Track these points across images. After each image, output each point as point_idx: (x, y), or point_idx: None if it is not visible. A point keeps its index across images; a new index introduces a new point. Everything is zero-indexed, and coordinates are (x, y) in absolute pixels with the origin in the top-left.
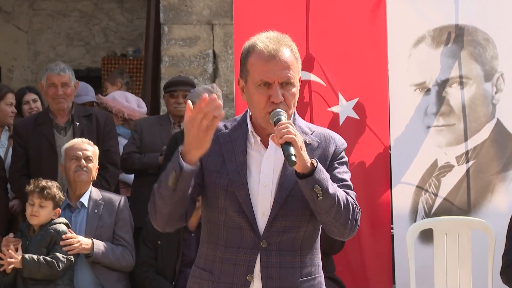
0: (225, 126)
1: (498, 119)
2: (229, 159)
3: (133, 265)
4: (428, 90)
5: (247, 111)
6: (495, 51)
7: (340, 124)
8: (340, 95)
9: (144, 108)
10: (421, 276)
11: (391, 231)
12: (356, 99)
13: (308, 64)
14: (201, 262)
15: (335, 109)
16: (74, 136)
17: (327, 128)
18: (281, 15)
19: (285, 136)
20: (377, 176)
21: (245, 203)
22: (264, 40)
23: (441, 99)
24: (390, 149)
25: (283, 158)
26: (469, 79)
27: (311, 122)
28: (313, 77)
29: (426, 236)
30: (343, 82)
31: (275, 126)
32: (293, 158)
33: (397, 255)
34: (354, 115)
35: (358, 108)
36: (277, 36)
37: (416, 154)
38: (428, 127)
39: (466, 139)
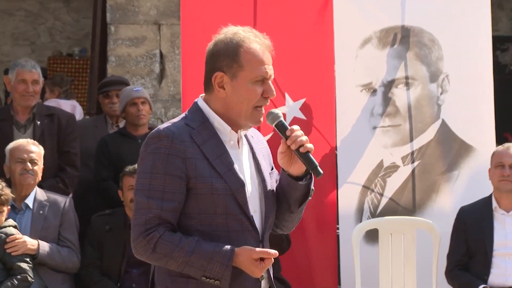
0: (187, 125)
1: (443, 120)
2: (216, 162)
3: (79, 266)
4: (375, 90)
5: (196, 108)
6: (441, 52)
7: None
8: (287, 96)
9: (79, 114)
10: (366, 276)
11: (337, 231)
12: (303, 100)
13: None
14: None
15: (282, 109)
16: (34, 135)
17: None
18: (228, 16)
19: (306, 145)
20: (323, 176)
21: (245, 204)
22: (250, 34)
23: (387, 100)
24: (336, 150)
25: (250, 152)
26: (415, 80)
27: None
28: None
29: (372, 236)
30: (290, 83)
31: (276, 127)
32: (320, 169)
33: (343, 255)
34: (301, 115)
35: (304, 108)
36: (255, 32)
37: (362, 154)
38: (374, 128)
39: (411, 140)
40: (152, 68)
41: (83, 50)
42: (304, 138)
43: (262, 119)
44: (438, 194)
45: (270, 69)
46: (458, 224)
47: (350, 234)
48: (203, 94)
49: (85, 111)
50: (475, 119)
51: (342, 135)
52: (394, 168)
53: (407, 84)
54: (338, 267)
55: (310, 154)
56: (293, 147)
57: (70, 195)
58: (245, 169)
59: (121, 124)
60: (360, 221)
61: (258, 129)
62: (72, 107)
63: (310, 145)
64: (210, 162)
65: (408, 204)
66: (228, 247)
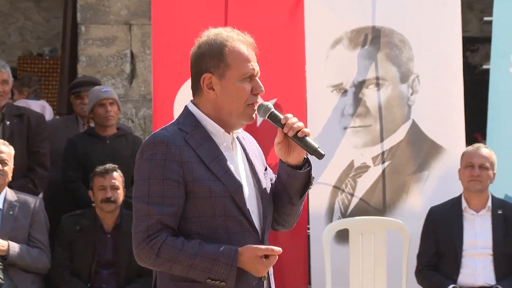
0: (181, 130)
1: (413, 120)
2: (212, 164)
3: (49, 267)
4: (345, 91)
5: (187, 112)
6: (411, 53)
7: (258, 125)
8: (258, 96)
9: (49, 114)
10: (336, 276)
11: (307, 231)
12: (274, 100)
13: None
14: None
15: None
16: (3, 135)
17: (245, 129)
18: (199, 16)
19: (303, 129)
20: None
21: (244, 205)
22: (232, 33)
23: (357, 100)
24: None
25: (244, 154)
26: (385, 81)
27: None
28: None
29: (342, 236)
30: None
31: (270, 119)
32: (321, 151)
33: (313, 255)
34: None
35: (275, 108)
36: (237, 31)
37: (333, 154)
38: (345, 128)
39: (382, 140)
40: (123, 68)
41: (53, 50)
42: (300, 123)
43: (254, 115)
44: (408, 194)
45: (256, 66)
46: (428, 224)
47: (321, 234)
48: (192, 99)
49: (55, 111)
50: (445, 120)
51: (312, 136)
52: (364, 168)
53: (377, 85)
54: (309, 267)
55: (308, 138)
56: (291, 133)
57: (41, 196)
58: (240, 171)
59: (93, 124)
60: (331, 221)
61: None
62: (41, 107)
63: (307, 130)
64: (206, 165)
65: (379, 204)
66: (231, 247)
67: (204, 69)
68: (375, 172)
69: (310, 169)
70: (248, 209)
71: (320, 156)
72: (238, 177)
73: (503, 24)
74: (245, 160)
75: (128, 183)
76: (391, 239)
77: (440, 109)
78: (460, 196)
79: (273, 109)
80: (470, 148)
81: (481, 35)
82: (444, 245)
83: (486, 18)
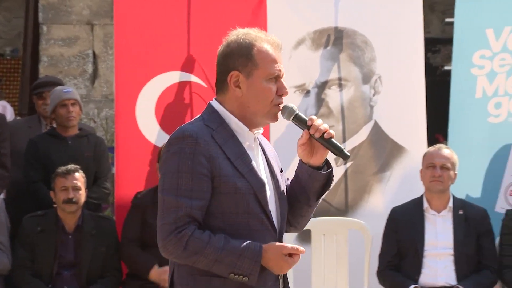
0: (207, 125)
1: (375, 121)
2: (237, 162)
3: (9, 268)
4: (308, 92)
5: (212, 110)
6: (373, 53)
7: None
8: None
9: (10, 115)
10: (298, 276)
11: None
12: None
13: (189, 65)
14: None
15: None
16: None
17: None
18: (162, 16)
19: (329, 131)
20: None
21: (266, 204)
22: (261, 34)
23: (320, 101)
24: None
25: (263, 154)
26: (347, 81)
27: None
28: (193, 78)
29: (304, 236)
30: None
31: (294, 120)
32: (346, 152)
33: None
34: None
35: None
36: (264, 32)
37: (296, 155)
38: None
39: (344, 141)
40: (85, 69)
41: (14, 50)
42: (326, 125)
43: (278, 115)
44: (370, 195)
45: (282, 67)
46: (390, 225)
47: (283, 235)
48: (216, 97)
49: (16, 111)
50: (407, 120)
51: (276, 136)
52: None
53: (340, 85)
54: None
55: (333, 139)
56: (317, 135)
57: (2, 196)
58: (261, 168)
59: (56, 124)
60: None
61: None
62: (2, 107)
63: (332, 132)
64: (231, 162)
65: (341, 204)
66: (255, 243)
67: (232, 67)
68: (337, 172)
69: (332, 170)
70: (270, 209)
71: (345, 157)
72: (261, 176)
73: (464, 25)
74: (264, 161)
75: (90, 183)
76: (353, 240)
77: (402, 110)
78: (421, 197)
79: (297, 111)
80: (431, 148)
81: (442, 36)
82: (406, 245)
83: (447, 19)
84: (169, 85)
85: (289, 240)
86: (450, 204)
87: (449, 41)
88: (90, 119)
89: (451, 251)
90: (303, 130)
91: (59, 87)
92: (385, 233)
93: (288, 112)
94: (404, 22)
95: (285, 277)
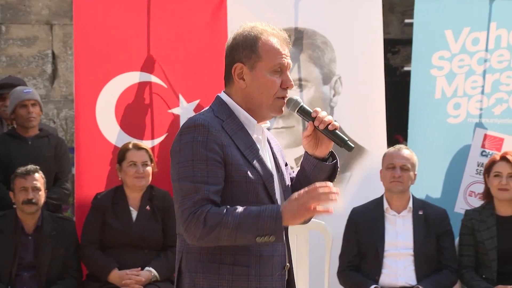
0: (216, 116)
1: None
2: (246, 152)
3: None
4: None
5: (221, 102)
6: (333, 54)
7: (181, 126)
8: (181, 97)
9: None
10: None
11: None
12: (197, 101)
13: (149, 65)
14: (227, 258)
15: (175, 111)
16: None
17: (167, 130)
18: (122, 16)
19: (333, 123)
20: None
21: (274, 194)
22: (267, 27)
23: None
24: None
25: (269, 147)
26: (308, 82)
27: (152, 124)
28: (153, 79)
29: None
30: (184, 84)
31: (299, 112)
32: (350, 143)
33: None
34: None
35: (198, 110)
36: (272, 26)
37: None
38: (268, 129)
39: None
40: (44, 69)
41: None
42: (330, 117)
43: (283, 108)
44: None
45: (288, 60)
46: (350, 225)
47: None
48: (224, 89)
49: None
50: (366, 121)
51: None
52: None
53: (300, 86)
54: None
55: (338, 131)
56: (321, 126)
57: None
58: (267, 160)
59: (16, 125)
60: None
61: (152, 131)
62: None
63: (336, 123)
64: (241, 152)
65: None
66: (273, 205)
67: (236, 59)
68: None
69: (337, 161)
70: (277, 199)
71: (349, 148)
72: (269, 167)
73: (423, 26)
74: (270, 154)
75: (50, 184)
76: (313, 240)
77: (361, 111)
78: (381, 197)
79: (302, 103)
80: (391, 149)
81: (402, 37)
82: (366, 246)
83: (407, 20)
84: (129, 86)
85: None
86: (410, 204)
87: (408, 42)
88: (49, 120)
89: (411, 251)
90: (308, 122)
91: (19, 88)
92: (346, 234)
93: (293, 104)
94: (364, 23)
95: (290, 269)
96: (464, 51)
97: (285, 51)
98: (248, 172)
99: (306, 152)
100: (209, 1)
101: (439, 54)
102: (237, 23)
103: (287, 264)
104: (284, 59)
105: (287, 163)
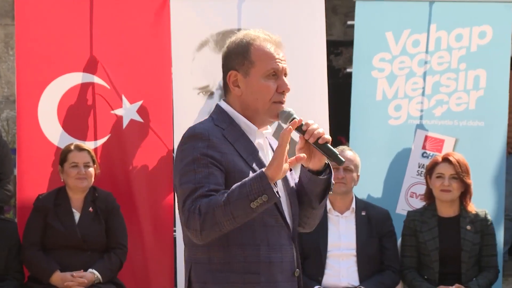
0: (216, 125)
1: (279, 123)
2: (249, 159)
3: None
4: (212, 93)
5: (220, 110)
6: None
7: (124, 127)
8: (124, 98)
9: None
10: None
11: (174, 233)
12: (140, 102)
13: (91, 66)
14: (236, 266)
15: (118, 112)
16: None
17: (110, 131)
18: (64, 17)
19: (324, 136)
20: (160, 179)
21: (279, 201)
22: (260, 33)
23: None
24: (173, 152)
25: (272, 154)
26: None
27: (95, 125)
28: (96, 80)
29: None
30: (127, 85)
31: (291, 124)
32: (341, 157)
33: (179, 256)
34: (138, 118)
35: (142, 111)
36: (266, 31)
37: None
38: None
39: None
40: None
41: None
42: (321, 130)
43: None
44: None
45: (283, 64)
46: None
47: None
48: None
49: None
50: None
51: (179, 138)
52: None
53: None
54: (175, 268)
55: (329, 145)
56: (311, 140)
57: None
58: None
59: None
60: None
61: (95, 132)
62: None
63: (327, 136)
64: (244, 159)
65: None
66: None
67: (230, 67)
68: None
69: (331, 175)
70: (282, 204)
71: (340, 162)
72: None
73: (364, 28)
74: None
75: None
76: None
77: (304, 112)
78: None
79: (295, 115)
80: None
81: (344, 38)
82: (309, 246)
83: (349, 22)
84: (71, 86)
85: None
86: (353, 205)
87: (351, 44)
88: None
89: (354, 252)
90: (299, 135)
91: None
92: None
93: (285, 116)
94: (306, 25)
95: (299, 276)
96: (405, 53)
97: (279, 55)
98: None
99: (301, 164)
100: (152, 1)
101: (380, 56)
102: (180, 24)
103: (297, 269)
104: (278, 63)
105: (292, 168)
